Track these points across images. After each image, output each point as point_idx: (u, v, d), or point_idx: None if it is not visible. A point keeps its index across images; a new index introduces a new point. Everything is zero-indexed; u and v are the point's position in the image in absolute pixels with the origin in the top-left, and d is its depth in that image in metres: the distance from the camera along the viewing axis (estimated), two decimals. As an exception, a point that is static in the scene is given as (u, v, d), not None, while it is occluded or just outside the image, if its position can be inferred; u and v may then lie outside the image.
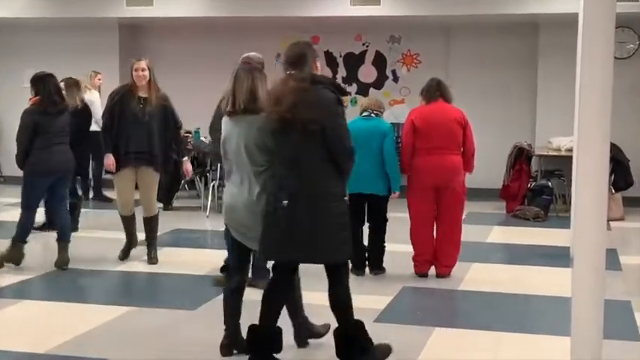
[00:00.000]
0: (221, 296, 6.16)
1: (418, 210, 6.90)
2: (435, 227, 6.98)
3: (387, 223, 7.11)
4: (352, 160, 4.63)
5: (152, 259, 7.43)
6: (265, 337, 4.67)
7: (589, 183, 3.71)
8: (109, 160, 7.21)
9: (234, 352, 4.96)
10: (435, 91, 6.91)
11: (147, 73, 7.15)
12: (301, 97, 4.47)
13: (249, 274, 5.49)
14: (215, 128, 6.42)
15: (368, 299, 6.28)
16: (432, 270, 7.01)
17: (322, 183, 4.52)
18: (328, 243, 4.54)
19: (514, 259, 8.14)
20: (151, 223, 7.48)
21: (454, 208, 6.93)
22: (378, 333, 5.41)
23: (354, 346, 4.69)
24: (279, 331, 4.74)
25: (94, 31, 12.80)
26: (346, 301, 4.71)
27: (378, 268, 7.15)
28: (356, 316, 4.80)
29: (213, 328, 5.59)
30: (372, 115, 7.04)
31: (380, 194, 6.92)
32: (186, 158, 7.67)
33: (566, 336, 3.87)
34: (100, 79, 11.47)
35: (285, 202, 4.47)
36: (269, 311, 4.70)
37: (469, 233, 7.70)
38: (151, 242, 7.52)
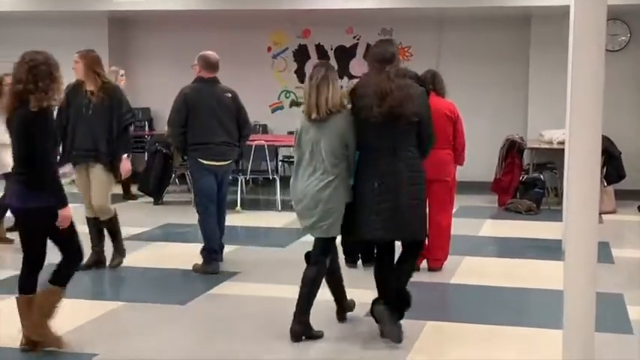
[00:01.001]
0: (211, 291, 6.20)
1: None
2: None
3: None
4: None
5: (112, 263, 7.02)
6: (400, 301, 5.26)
7: (581, 176, 3.71)
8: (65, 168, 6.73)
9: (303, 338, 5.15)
10: (428, 85, 6.87)
11: (78, 65, 6.80)
12: (406, 93, 4.99)
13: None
14: (178, 124, 6.82)
15: (359, 293, 6.26)
16: (424, 263, 7.01)
17: (415, 167, 5.08)
18: (419, 221, 5.14)
19: (506, 252, 8.15)
20: (108, 226, 6.97)
21: (444, 201, 6.95)
22: (370, 327, 5.43)
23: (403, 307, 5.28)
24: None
25: (83, 25, 12.75)
26: (412, 272, 5.40)
27: (371, 260, 7.13)
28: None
29: (203, 323, 5.59)
30: None
31: None
32: (125, 155, 6.88)
33: (558, 329, 3.87)
34: (123, 78, 9.76)
35: (377, 184, 4.99)
36: (385, 285, 5.29)
37: (461, 227, 7.71)
38: (115, 247, 7.05)
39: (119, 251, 7.06)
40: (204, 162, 6.89)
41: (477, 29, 12.24)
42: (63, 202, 4.66)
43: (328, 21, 12.47)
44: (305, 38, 12.94)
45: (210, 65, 7.03)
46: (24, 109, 4.62)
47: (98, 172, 6.75)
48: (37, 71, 4.62)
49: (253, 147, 10.16)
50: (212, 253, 6.96)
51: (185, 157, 7.44)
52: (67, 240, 4.87)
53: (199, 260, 7.07)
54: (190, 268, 7.04)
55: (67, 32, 12.80)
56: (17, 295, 4.88)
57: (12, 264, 7.03)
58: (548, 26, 11.43)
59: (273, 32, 12.94)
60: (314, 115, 5.02)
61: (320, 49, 12.87)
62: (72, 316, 5.62)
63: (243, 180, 10.61)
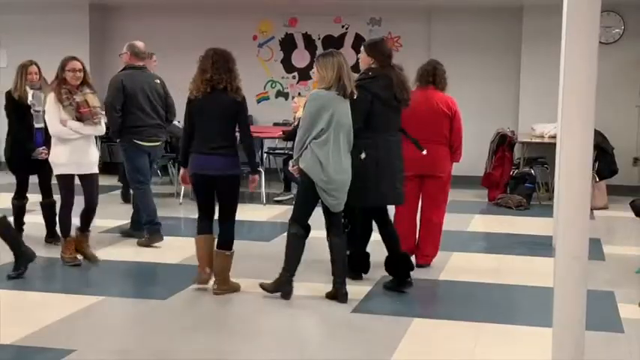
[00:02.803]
0: (193, 285, 6.18)
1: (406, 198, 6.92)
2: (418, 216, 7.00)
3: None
4: None
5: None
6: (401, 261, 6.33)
7: (572, 171, 3.71)
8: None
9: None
10: (428, 77, 6.84)
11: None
12: (409, 84, 6.33)
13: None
14: (116, 108, 7.55)
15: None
16: (412, 259, 7.01)
17: (400, 143, 6.24)
18: (402, 187, 6.29)
19: (495, 248, 8.17)
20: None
21: (437, 198, 6.93)
22: (355, 323, 5.44)
23: (404, 266, 6.31)
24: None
25: (65, 11, 12.68)
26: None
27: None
28: (332, 306, 5.76)
29: (183, 318, 5.58)
30: None
31: None
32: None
33: (548, 327, 3.88)
34: (155, 61, 9.09)
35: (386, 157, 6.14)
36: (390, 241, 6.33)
37: (450, 222, 7.70)
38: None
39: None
40: (141, 143, 7.61)
41: (468, 20, 12.23)
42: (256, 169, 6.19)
43: (316, 10, 12.45)
44: (292, 27, 12.91)
45: (140, 53, 7.80)
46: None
47: None
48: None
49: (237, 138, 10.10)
50: (155, 225, 7.64)
51: (118, 139, 7.89)
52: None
53: (182, 253, 7.05)
54: (173, 262, 7.03)
55: (49, 18, 12.75)
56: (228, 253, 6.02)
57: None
58: (540, 18, 11.44)
59: (259, 20, 12.90)
60: (349, 90, 5.75)
61: (307, 38, 12.85)
62: (50, 310, 5.61)
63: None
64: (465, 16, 12.21)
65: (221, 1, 12.10)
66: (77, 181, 6.80)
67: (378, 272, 6.70)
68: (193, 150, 6.00)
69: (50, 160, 6.76)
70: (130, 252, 7.47)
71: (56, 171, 6.70)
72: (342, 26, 12.74)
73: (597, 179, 10.35)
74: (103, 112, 6.82)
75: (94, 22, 13.00)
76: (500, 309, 6.03)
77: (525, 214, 10.05)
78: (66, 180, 6.66)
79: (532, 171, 10.78)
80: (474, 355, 4.99)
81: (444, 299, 6.49)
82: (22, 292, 6.13)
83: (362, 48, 6.38)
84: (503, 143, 11.01)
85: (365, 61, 6.27)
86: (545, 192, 10.86)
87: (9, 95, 7.30)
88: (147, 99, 7.62)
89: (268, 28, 12.96)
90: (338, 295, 5.88)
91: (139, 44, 7.82)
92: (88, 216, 6.88)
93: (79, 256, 6.86)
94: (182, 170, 6.24)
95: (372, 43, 6.34)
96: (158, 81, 7.84)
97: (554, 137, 9.51)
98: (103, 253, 7.23)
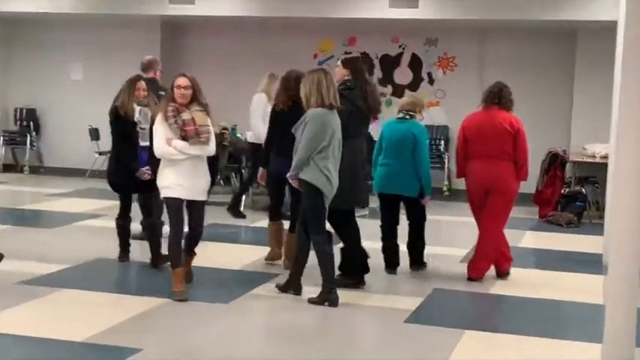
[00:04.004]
0: (253, 290, 6.25)
1: (473, 212, 6.97)
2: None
3: (425, 222, 7.18)
4: None
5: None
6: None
7: (625, 190, 3.67)
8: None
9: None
10: (493, 98, 6.87)
11: None
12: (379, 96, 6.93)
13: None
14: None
15: (399, 300, 6.28)
16: (462, 272, 6.97)
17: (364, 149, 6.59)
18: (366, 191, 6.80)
19: (546, 264, 8.06)
20: None
21: (498, 214, 6.84)
22: (408, 333, 5.42)
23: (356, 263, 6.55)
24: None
25: (137, 28, 12.93)
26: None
27: (419, 264, 7.16)
28: (386, 317, 5.78)
29: (245, 321, 5.63)
30: (407, 116, 7.03)
31: (408, 195, 6.93)
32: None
33: (596, 342, 3.83)
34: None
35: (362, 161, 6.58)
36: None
37: (501, 237, 7.63)
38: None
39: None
40: None
41: (521, 41, 12.13)
42: None
43: (374, 30, 12.47)
44: (351, 46, 12.94)
45: (147, 66, 8.07)
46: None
47: None
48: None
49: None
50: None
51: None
52: None
53: (243, 259, 7.23)
54: (234, 267, 7.11)
55: (122, 35, 13.02)
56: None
57: (58, 258, 7.18)
58: (594, 41, 11.29)
59: (320, 39, 12.98)
60: (337, 104, 5.97)
61: (365, 57, 12.86)
62: (118, 310, 5.70)
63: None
64: (517, 37, 12.12)
65: (284, 20, 12.22)
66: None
67: (430, 285, 6.69)
68: (276, 153, 6.77)
69: (157, 181, 6.13)
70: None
71: (162, 193, 6.09)
72: (399, 46, 12.74)
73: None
74: (212, 132, 6.05)
75: (164, 38, 13.21)
76: (549, 324, 5.94)
77: (576, 231, 9.90)
78: (173, 203, 6.02)
79: (583, 190, 10.62)
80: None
81: (494, 312, 6.43)
82: (90, 292, 6.22)
83: (338, 62, 6.75)
84: (555, 162, 10.87)
85: (341, 73, 6.61)
86: (596, 210, 10.68)
87: (115, 111, 6.72)
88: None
89: (328, 47, 13.02)
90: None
91: (151, 58, 8.14)
92: (190, 242, 6.31)
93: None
94: (262, 170, 7.08)
95: (348, 58, 6.78)
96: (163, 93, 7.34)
97: (605, 157, 9.37)
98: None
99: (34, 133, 13.57)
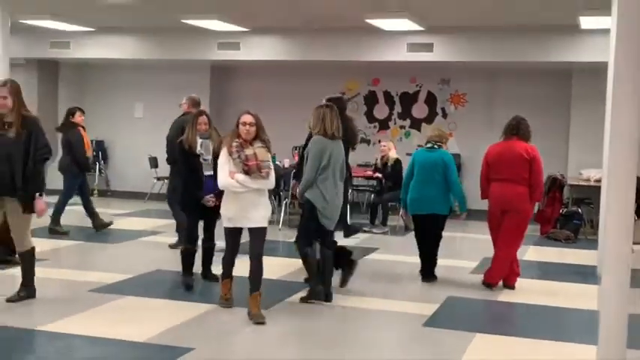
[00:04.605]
0: (291, 298, 6.25)
1: (491, 230, 6.98)
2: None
3: (441, 240, 7.23)
4: None
5: (12, 299, 5.88)
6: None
7: (616, 210, 3.66)
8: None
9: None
10: (512, 130, 6.90)
11: (8, 101, 5.67)
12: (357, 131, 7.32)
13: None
14: (174, 140, 7.22)
15: (417, 306, 6.25)
16: (477, 280, 6.92)
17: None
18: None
19: (547, 275, 7.97)
20: (22, 260, 5.97)
21: (512, 231, 6.81)
22: (425, 336, 5.40)
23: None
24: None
25: (190, 71, 13.10)
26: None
27: (430, 276, 7.13)
28: (406, 321, 5.73)
29: (283, 326, 5.63)
30: (435, 146, 7.10)
31: (441, 213, 7.03)
32: (38, 195, 5.66)
33: (592, 344, 3.79)
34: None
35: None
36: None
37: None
38: (24, 283, 5.95)
39: (25, 285, 5.98)
40: None
41: (525, 80, 12.11)
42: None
43: (395, 71, 12.52)
44: (374, 85, 13.01)
45: (197, 103, 8.25)
46: None
47: (14, 205, 5.74)
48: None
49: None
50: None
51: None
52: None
53: (281, 270, 7.15)
54: (273, 277, 7.10)
55: (176, 78, 13.18)
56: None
57: (122, 269, 7.23)
58: (587, 80, 11.23)
59: (347, 80, 13.05)
60: (340, 135, 6.10)
61: (387, 95, 12.92)
62: (173, 315, 5.74)
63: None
64: (520, 77, 12.10)
65: (316, 64, 12.31)
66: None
67: (444, 293, 6.65)
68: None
69: (221, 211, 5.85)
70: (239, 267, 7.56)
71: (224, 223, 5.80)
72: (417, 85, 12.77)
73: (637, 218, 10.01)
74: (272, 167, 5.73)
75: (214, 81, 13.37)
76: (551, 327, 5.87)
77: (573, 246, 9.79)
78: (231, 232, 5.80)
79: (579, 210, 10.53)
80: (528, 366, 4.88)
81: (503, 317, 6.37)
82: (151, 299, 6.27)
83: (323, 100, 6.67)
84: (554, 185, 10.79)
85: None
86: (591, 228, 10.56)
87: (181, 145, 6.47)
88: None
89: (354, 87, 13.09)
90: (328, 295, 6.20)
91: (196, 96, 8.37)
92: (251, 261, 5.79)
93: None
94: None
95: (331, 98, 6.76)
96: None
97: (599, 181, 9.28)
98: (217, 270, 7.36)
99: (102, 161, 13.77)
